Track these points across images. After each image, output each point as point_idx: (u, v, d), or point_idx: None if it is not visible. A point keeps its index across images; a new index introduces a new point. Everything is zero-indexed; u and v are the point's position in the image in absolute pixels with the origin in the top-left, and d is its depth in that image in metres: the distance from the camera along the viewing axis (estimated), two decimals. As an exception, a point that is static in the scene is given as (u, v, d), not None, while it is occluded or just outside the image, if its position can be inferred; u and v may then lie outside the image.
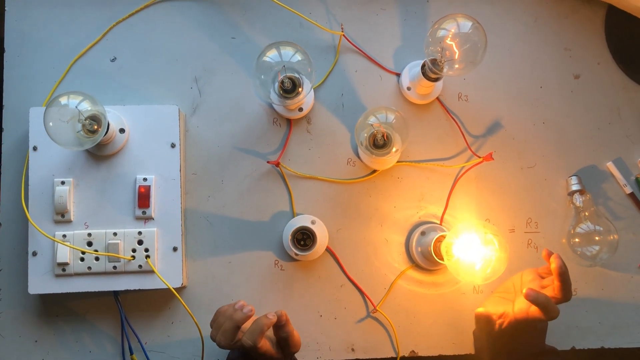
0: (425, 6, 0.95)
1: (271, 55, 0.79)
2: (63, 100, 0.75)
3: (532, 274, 0.81)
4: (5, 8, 0.90)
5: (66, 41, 0.91)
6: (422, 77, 0.86)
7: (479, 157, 0.90)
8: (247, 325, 0.74)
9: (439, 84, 0.91)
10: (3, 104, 0.89)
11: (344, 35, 0.92)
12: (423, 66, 0.86)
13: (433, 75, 0.84)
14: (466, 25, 0.79)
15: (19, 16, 0.90)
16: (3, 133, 0.88)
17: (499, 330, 0.79)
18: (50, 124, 0.74)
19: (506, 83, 0.94)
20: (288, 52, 0.79)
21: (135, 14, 0.92)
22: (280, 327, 0.74)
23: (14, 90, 0.89)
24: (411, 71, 0.91)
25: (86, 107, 0.75)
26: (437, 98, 0.93)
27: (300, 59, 0.79)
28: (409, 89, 0.91)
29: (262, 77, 0.80)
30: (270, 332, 0.77)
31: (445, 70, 0.82)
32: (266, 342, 0.74)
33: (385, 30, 0.94)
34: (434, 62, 0.82)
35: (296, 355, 0.87)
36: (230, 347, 0.73)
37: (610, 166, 0.93)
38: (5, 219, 0.87)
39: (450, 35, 0.80)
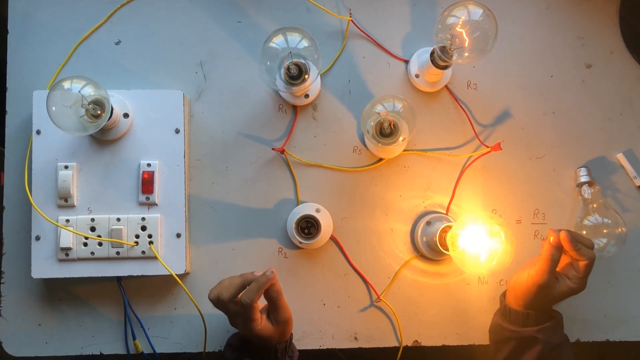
0: (435, -8, 0.93)
1: (277, 41, 0.78)
2: (66, 84, 0.74)
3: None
4: (9, -11, 0.89)
5: (70, 24, 0.89)
6: (431, 64, 0.84)
7: (487, 147, 0.89)
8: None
9: (448, 71, 0.89)
10: (6, 86, 0.88)
11: (352, 20, 0.90)
12: (432, 54, 0.84)
13: (442, 63, 0.83)
14: (477, 12, 0.78)
15: (22, -3, 0.89)
16: (7, 116, 0.87)
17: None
18: (53, 108, 0.73)
19: (516, 72, 0.92)
20: (295, 38, 0.78)
21: (140, -3, 0.91)
22: (270, 286, 0.73)
23: (18, 73, 0.88)
24: (420, 58, 0.89)
25: (89, 91, 0.74)
26: (446, 86, 0.91)
27: (307, 45, 0.78)
28: (417, 76, 0.89)
29: (268, 63, 0.78)
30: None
31: (454, 58, 0.80)
32: (267, 324, 0.74)
33: (394, 16, 0.92)
34: (443, 49, 0.80)
35: (299, 343, 0.87)
36: (226, 307, 0.73)
37: (621, 158, 0.92)
38: (9, 203, 0.87)
39: (460, 23, 0.78)
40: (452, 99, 0.91)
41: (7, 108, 0.88)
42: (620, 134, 0.93)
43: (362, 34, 0.91)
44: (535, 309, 0.78)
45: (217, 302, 0.74)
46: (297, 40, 0.78)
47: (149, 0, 0.90)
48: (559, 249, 0.76)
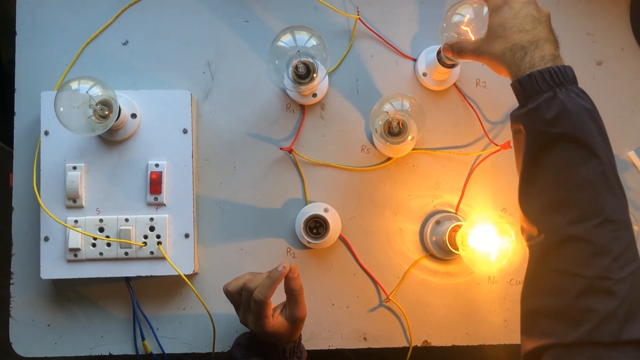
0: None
1: (286, 40, 0.77)
2: (74, 85, 0.74)
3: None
4: (17, -10, 0.89)
5: (78, 25, 0.89)
6: (438, 63, 0.84)
7: (497, 145, 0.88)
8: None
9: (456, 70, 0.88)
10: (15, 87, 0.88)
11: (359, 19, 0.90)
12: (438, 52, 0.83)
13: (449, 62, 0.82)
14: (483, 9, 0.76)
15: (30, -1, 0.89)
16: (15, 117, 0.88)
17: None
18: (61, 109, 0.73)
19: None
20: (303, 36, 0.77)
21: (147, -3, 0.90)
22: (291, 279, 0.73)
23: (26, 74, 0.88)
24: (427, 57, 0.89)
25: (97, 92, 0.74)
26: (455, 84, 0.90)
27: (315, 44, 0.77)
28: (424, 74, 0.89)
29: (276, 62, 0.78)
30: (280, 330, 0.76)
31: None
32: (279, 320, 0.74)
33: (402, 14, 0.92)
34: None
35: (308, 343, 0.86)
36: (247, 299, 0.72)
37: (632, 155, 0.91)
38: (18, 204, 0.87)
39: (465, 21, 0.77)
40: (461, 97, 0.91)
41: (16, 109, 0.88)
42: (631, 131, 0.92)
43: (369, 33, 0.91)
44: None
45: (237, 294, 0.74)
46: (305, 39, 0.77)
47: (156, 0, 0.90)
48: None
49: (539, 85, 0.61)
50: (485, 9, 0.74)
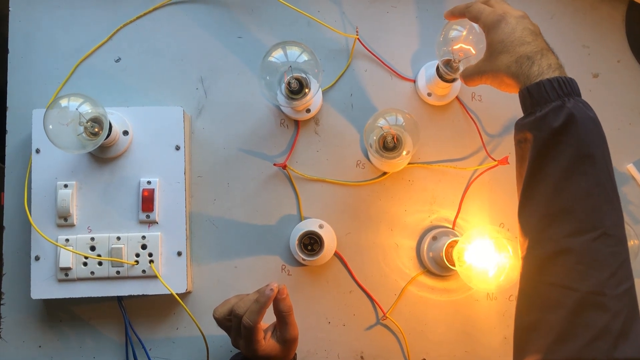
0: (440, 3, 0.92)
1: (277, 55, 0.77)
2: (63, 102, 0.73)
3: None
4: (10, 9, 0.89)
5: (71, 44, 0.89)
6: (438, 79, 0.83)
7: (495, 160, 0.87)
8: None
9: (457, 84, 0.88)
10: (7, 105, 0.88)
11: (358, 39, 0.89)
12: (437, 68, 0.83)
13: (448, 77, 0.82)
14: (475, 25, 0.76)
15: (23, 17, 0.89)
16: (7, 135, 0.87)
17: None
18: (50, 127, 0.72)
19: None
20: (294, 51, 0.77)
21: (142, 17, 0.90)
22: (280, 300, 0.71)
23: (18, 92, 0.88)
24: (427, 72, 0.88)
25: (87, 109, 0.74)
26: (457, 97, 0.90)
27: (307, 59, 0.77)
28: (429, 95, 0.88)
29: (268, 77, 0.78)
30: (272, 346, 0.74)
31: (460, 70, 0.79)
32: (271, 343, 0.72)
33: (398, 29, 0.91)
34: (447, 63, 0.79)
35: (303, 362, 0.85)
36: (237, 325, 0.71)
37: (631, 168, 0.90)
38: (9, 223, 0.86)
39: (462, 36, 0.77)
40: (461, 110, 0.90)
41: (8, 127, 0.87)
42: (629, 143, 0.91)
43: (365, 50, 0.90)
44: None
45: (226, 320, 0.72)
46: (296, 54, 0.77)
47: (149, 17, 0.90)
48: None
49: (548, 93, 0.61)
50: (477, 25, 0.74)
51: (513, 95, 0.90)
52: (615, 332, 0.53)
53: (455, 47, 0.78)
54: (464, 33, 0.77)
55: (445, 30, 0.77)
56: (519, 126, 0.64)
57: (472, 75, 0.72)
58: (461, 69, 0.78)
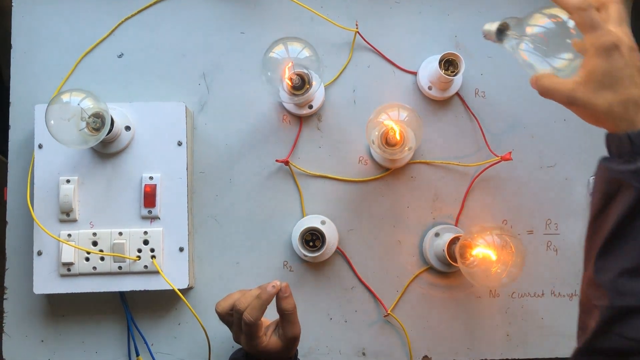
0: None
1: (278, 51, 0.77)
2: (65, 98, 0.73)
3: None
4: (12, 4, 0.89)
5: (73, 38, 0.89)
6: (440, 72, 0.82)
7: (497, 156, 0.86)
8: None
9: (458, 78, 0.87)
10: (10, 100, 0.88)
11: (358, 32, 0.89)
12: (440, 62, 0.82)
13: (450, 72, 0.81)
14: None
15: (25, 13, 0.89)
16: (10, 130, 0.87)
17: None
18: (52, 122, 0.72)
19: (526, 79, 0.89)
20: (296, 47, 0.76)
21: (143, 10, 0.90)
22: (282, 299, 0.71)
23: (21, 87, 0.88)
24: (428, 66, 0.88)
25: (88, 104, 0.74)
26: (457, 93, 0.89)
27: (308, 54, 0.77)
28: (430, 88, 0.87)
29: (269, 73, 0.77)
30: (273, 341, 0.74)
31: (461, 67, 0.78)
32: (272, 340, 0.73)
33: (400, 24, 0.91)
34: (502, 27, 0.74)
35: (305, 359, 0.85)
36: (238, 320, 0.71)
37: (636, 165, 0.89)
38: (11, 218, 0.86)
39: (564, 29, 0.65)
40: (463, 107, 0.89)
41: (10, 122, 0.87)
42: None
43: (366, 44, 0.90)
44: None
45: (228, 314, 0.72)
46: (298, 50, 0.76)
47: (151, 12, 0.90)
48: None
49: None
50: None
51: (516, 93, 0.90)
52: None
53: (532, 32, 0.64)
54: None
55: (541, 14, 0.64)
56: (613, 172, 0.58)
57: (554, 93, 0.63)
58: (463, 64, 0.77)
